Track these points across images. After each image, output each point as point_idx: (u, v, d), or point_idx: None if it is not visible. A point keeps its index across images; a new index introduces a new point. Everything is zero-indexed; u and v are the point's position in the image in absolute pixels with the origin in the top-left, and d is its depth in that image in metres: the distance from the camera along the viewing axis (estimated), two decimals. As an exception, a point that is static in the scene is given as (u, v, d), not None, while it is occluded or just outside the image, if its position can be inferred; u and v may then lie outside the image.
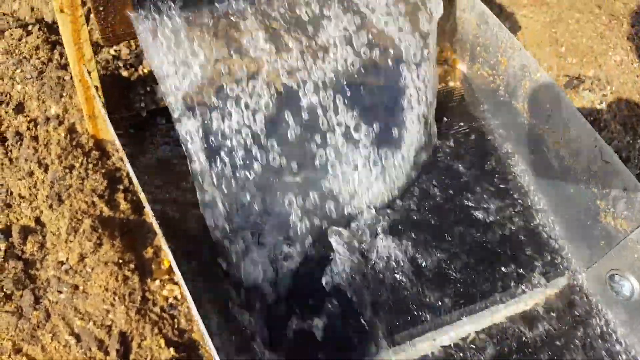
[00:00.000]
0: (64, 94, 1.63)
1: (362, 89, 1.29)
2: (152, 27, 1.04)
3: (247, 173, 1.16)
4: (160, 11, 1.04)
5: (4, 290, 1.47)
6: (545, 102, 1.29)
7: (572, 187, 1.30)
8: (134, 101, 1.79)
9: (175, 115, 1.08)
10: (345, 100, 1.30)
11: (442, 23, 1.38)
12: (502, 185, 1.50)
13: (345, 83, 1.29)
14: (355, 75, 1.27)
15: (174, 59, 1.05)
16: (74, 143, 1.61)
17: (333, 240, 1.33)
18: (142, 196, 1.11)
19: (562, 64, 2.31)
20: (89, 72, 1.29)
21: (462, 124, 1.54)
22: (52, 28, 1.78)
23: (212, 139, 1.11)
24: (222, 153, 1.13)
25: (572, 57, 2.36)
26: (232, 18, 1.07)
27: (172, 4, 1.05)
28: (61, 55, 1.71)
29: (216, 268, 1.38)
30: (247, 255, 1.24)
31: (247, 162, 1.16)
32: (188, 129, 1.07)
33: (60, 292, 1.50)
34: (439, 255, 1.38)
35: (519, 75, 1.34)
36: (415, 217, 1.43)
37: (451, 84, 1.53)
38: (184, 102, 1.07)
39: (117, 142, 1.16)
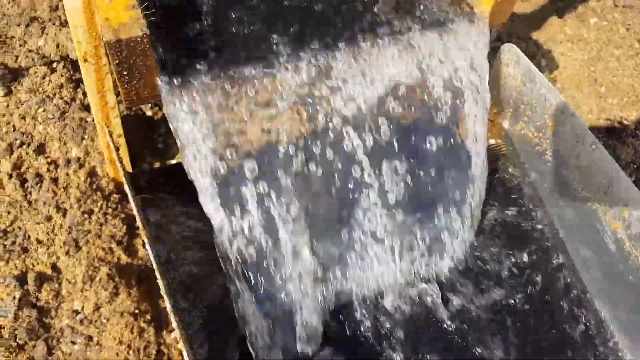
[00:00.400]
0: (86, 136, 1.59)
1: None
2: (179, 93, 0.99)
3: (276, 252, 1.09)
4: (187, 76, 0.99)
5: (17, 340, 1.42)
6: (602, 177, 1.18)
7: (632, 275, 1.18)
8: (157, 142, 1.74)
9: (201, 194, 1.01)
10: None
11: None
12: (548, 268, 1.36)
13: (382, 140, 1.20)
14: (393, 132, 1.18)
15: (201, 127, 0.99)
16: (94, 187, 1.57)
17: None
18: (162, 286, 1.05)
19: (602, 105, 2.20)
20: (111, 133, 1.24)
21: (505, 189, 1.42)
22: (76, 66, 1.74)
23: (242, 218, 1.04)
24: (256, 235, 1.06)
25: (613, 97, 2.25)
26: (259, 83, 1.01)
27: (199, 69, 0.99)
28: (84, 94, 1.67)
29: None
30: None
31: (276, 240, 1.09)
32: (216, 211, 1.00)
33: (74, 342, 1.45)
34: (480, 344, 1.27)
35: (571, 143, 1.23)
36: (450, 298, 1.33)
37: (491, 140, 1.44)
38: (211, 176, 1.00)
39: (138, 217, 1.10)
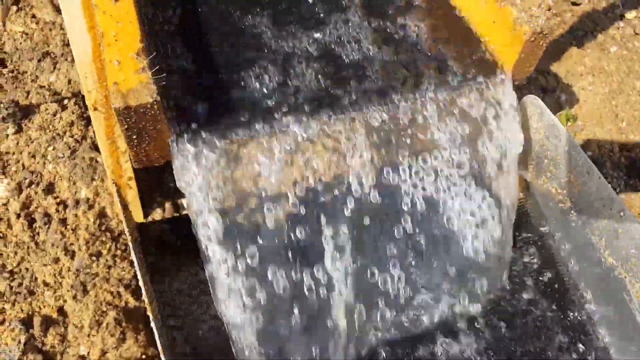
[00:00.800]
0: (96, 177, 1.56)
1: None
2: (190, 154, 0.96)
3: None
4: (199, 138, 0.96)
5: (21, 386, 1.39)
6: (630, 246, 1.13)
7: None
8: (167, 181, 1.71)
9: (207, 259, 0.98)
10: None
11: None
12: (573, 340, 1.28)
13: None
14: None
15: (211, 191, 0.96)
16: (102, 228, 1.54)
17: None
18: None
19: (623, 142, 2.14)
20: (118, 188, 1.21)
21: (527, 243, 1.36)
22: (88, 102, 1.73)
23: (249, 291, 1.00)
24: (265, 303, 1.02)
25: (635, 133, 2.19)
26: (268, 143, 0.98)
27: (211, 131, 0.97)
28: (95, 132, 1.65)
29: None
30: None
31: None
32: (225, 284, 0.97)
33: (78, 390, 1.42)
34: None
35: (597, 207, 1.17)
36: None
37: (511, 192, 1.39)
38: (218, 243, 0.97)
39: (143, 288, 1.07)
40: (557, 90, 2.25)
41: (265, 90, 1.05)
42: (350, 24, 1.19)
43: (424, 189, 1.13)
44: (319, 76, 1.10)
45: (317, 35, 1.17)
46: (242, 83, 1.05)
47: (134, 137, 0.90)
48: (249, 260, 1.00)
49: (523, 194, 1.38)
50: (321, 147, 1.03)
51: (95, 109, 1.20)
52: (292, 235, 1.03)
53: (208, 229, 0.97)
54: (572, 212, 1.24)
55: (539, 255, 1.34)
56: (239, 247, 0.99)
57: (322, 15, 1.19)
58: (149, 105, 0.87)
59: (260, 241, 1.01)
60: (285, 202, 1.02)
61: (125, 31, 0.94)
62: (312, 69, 1.10)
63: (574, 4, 2.87)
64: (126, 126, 0.88)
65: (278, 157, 0.99)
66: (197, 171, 0.95)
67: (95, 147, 1.61)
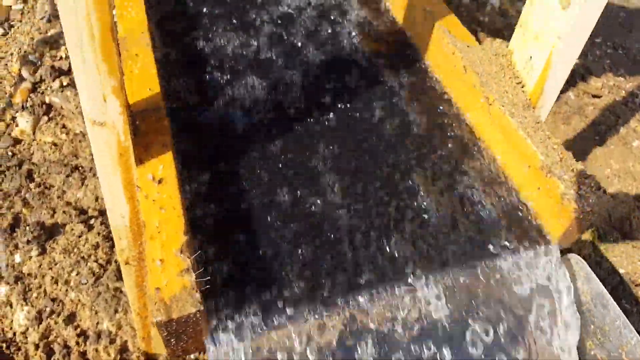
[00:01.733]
0: (119, 309, 1.52)
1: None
2: (227, 351, 0.92)
3: None
4: (237, 335, 0.92)
5: None
6: None
7: None
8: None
9: None
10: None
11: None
12: None
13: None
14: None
15: None
16: (123, 363, 1.48)
17: None
18: None
19: (659, 259, 2.07)
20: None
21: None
22: (114, 221, 1.70)
23: None
24: None
25: (670, 248, 2.13)
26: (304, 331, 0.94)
27: (250, 327, 0.93)
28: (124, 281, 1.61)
29: None
30: None
31: None
32: None
33: None
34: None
35: None
36: None
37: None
38: None
39: None
40: (588, 202, 2.20)
41: (301, 277, 1.02)
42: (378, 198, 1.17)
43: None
44: (351, 247, 1.07)
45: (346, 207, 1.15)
46: (282, 272, 1.02)
47: (173, 340, 0.86)
48: None
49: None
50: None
51: (127, 263, 1.17)
52: None
53: None
54: (628, 393, 1.17)
55: None
56: None
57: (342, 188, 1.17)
58: (191, 315, 0.83)
59: None
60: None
61: (168, 220, 0.91)
62: (343, 242, 1.07)
63: (595, 96, 2.88)
64: (166, 334, 0.84)
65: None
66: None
67: (119, 275, 1.57)
